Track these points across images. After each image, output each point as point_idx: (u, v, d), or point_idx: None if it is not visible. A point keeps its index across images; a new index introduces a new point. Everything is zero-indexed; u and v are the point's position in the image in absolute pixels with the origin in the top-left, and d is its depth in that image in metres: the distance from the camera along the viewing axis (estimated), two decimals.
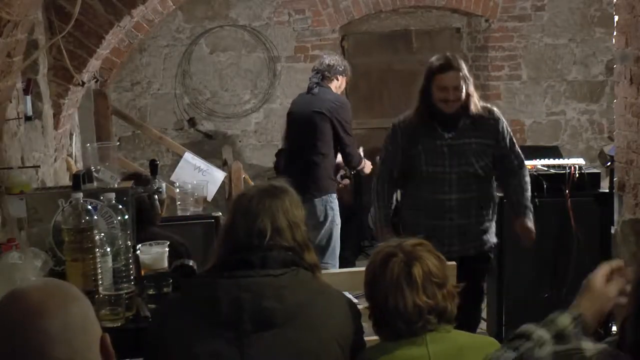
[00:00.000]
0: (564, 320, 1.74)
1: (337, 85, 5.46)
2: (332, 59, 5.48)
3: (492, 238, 4.06)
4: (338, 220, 5.42)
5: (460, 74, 3.85)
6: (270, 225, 2.14)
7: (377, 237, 4.25)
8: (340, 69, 5.44)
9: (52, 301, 1.33)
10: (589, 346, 1.47)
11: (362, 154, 5.69)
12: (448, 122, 3.89)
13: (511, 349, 1.72)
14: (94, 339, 1.37)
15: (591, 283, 1.81)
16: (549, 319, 1.75)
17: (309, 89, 5.45)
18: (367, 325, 2.28)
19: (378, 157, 4.32)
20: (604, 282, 1.81)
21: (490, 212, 4.02)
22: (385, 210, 4.06)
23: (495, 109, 4.07)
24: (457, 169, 3.87)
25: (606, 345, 1.47)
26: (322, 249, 5.29)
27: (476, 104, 3.91)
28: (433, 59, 3.96)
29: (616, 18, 4.59)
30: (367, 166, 5.67)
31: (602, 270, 1.82)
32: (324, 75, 5.40)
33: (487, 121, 3.95)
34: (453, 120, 3.89)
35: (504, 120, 4.04)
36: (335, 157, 5.44)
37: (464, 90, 3.84)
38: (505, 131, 4.01)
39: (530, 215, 4.06)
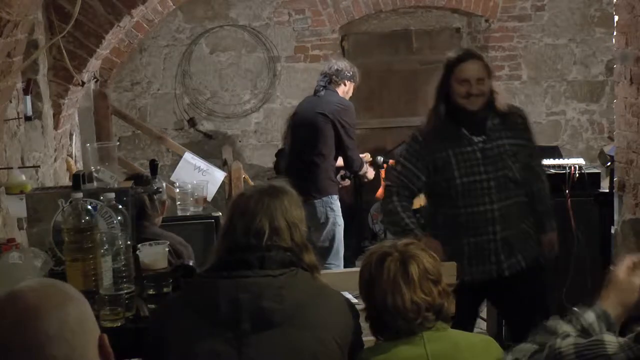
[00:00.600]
0: (589, 317, 1.78)
1: (345, 90, 5.48)
2: (341, 64, 5.51)
3: (536, 246, 3.64)
4: (340, 222, 5.42)
5: (483, 64, 3.47)
6: (269, 225, 2.14)
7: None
8: (349, 75, 5.45)
9: (49, 301, 1.34)
10: (610, 339, 1.48)
11: (367, 159, 5.71)
12: (475, 124, 3.46)
13: (537, 344, 1.75)
14: (92, 339, 1.37)
15: (615, 275, 1.85)
16: (574, 315, 1.78)
17: (316, 92, 5.48)
18: (365, 325, 2.28)
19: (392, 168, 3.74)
20: (627, 274, 1.84)
21: (530, 218, 3.61)
22: (414, 222, 3.50)
23: (519, 106, 3.70)
24: (495, 175, 3.43)
25: (628, 339, 1.48)
26: (325, 251, 5.30)
27: (502, 100, 3.52)
28: (450, 52, 3.58)
29: (616, 18, 4.59)
30: (369, 172, 5.68)
31: (625, 262, 1.86)
32: (331, 79, 5.43)
33: (516, 119, 3.56)
34: (480, 120, 3.46)
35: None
36: (336, 159, 5.45)
37: (487, 84, 3.45)
38: (532, 130, 3.67)
39: (554, 225, 3.73)
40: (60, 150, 4.88)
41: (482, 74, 3.44)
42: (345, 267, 5.55)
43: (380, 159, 6.09)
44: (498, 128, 3.49)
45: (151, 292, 2.50)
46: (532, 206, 3.64)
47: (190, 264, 2.73)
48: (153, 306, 2.42)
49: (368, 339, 2.31)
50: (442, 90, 3.47)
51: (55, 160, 4.67)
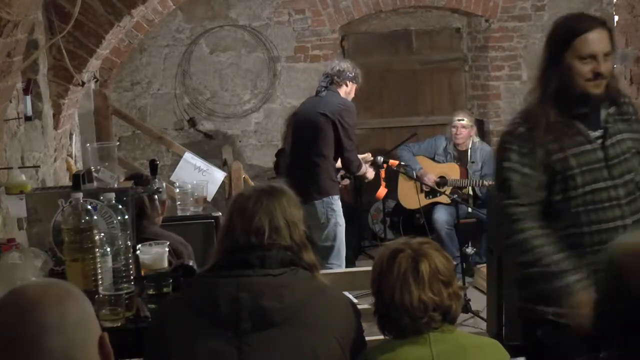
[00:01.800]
0: None
1: (347, 91, 5.47)
2: (344, 65, 5.50)
3: None
4: (342, 222, 5.41)
5: (609, 32, 2.59)
6: (268, 224, 2.14)
7: (576, 319, 2.42)
8: (351, 75, 5.45)
9: (49, 296, 1.36)
10: None
11: (369, 158, 5.70)
12: (589, 114, 2.61)
13: None
14: (91, 336, 1.39)
15: None
16: None
17: (317, 92, 5.48)
18: (367, 325, 2.28)
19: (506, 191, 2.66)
20: None
21: None
22: (573, 273, 2.50)
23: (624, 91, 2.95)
24: (622, 181, 2.60)
25: None
26: (326, 250, 5.29)
27: (615, 83, 2.71)
28: (563, 18, 2.77)
29: (616, 18, 4.59)
30: (369, 172, 5.67)
31: None
32: (333, 79, 5.42)
33: (627, 108, 2.71)
34: (596, 109, 2.62)
35: None
36: (337, 159, 5.45)
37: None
38: None
39: None
40: (60, 150, 4.87)
41: (609, 47, 2.57)
42: (344, 267, 5.55)
43: (380, 159, 6.08)
44: (615, 119, 2.66)
45: (151, 292, 2.50)
46: None
47: (190, 264, 2.74)
48: (153, 306, 2.43)
49: (372, 338, 2.31)
50: (555, 70, 2.60)
51: (55, 160, 4.66)
